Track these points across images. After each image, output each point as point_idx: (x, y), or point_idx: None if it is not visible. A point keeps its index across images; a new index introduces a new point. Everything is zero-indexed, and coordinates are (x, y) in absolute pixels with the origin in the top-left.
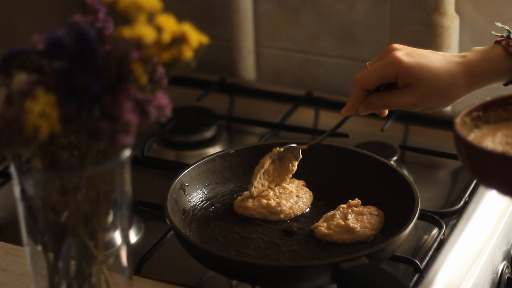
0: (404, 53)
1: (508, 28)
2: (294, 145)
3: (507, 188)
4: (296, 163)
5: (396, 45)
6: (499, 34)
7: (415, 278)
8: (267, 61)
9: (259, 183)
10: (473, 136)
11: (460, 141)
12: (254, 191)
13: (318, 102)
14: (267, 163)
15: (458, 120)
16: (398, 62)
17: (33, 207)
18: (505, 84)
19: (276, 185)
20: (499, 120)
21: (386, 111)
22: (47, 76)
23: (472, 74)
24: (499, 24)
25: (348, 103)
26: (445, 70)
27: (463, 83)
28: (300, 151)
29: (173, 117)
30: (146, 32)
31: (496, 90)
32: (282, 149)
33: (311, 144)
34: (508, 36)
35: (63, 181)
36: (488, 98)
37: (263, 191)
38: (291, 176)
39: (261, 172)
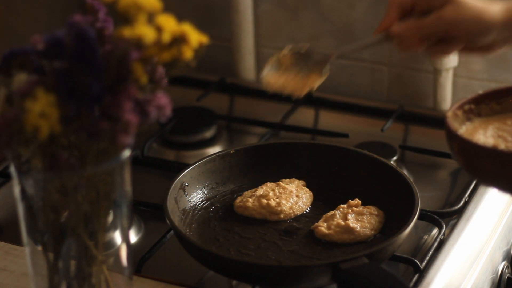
0: None
1: None
2: (320, 55)
3: (502, 184)
4: (318, 82)
5: None
6: None
7: (415, 278)
8: (267, 61)
9: (273, 74)
10: (464, 129)
11: (452, 136)
12: (265, 76)
13: (318, 102)
14: (287, 49)
15: (449, 114)
16: None
17: (33, 207)
18: None
19: (288, 91)
20: (491, 113)
21: (421, 47)
22: (47, 76)
23: (507, 7)
24: None
25: (382, 22)
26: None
27: (499, 11)
28: (328, 68)
29: (173, 117)
30: (146, 32)
31: (490, 85)
32: (307, 45)
33: (339, 54)
34: None
35: (63, 181)
36: (480, 91)
37: (273, 89)
38: (307, 91)
39: (278, 59)
